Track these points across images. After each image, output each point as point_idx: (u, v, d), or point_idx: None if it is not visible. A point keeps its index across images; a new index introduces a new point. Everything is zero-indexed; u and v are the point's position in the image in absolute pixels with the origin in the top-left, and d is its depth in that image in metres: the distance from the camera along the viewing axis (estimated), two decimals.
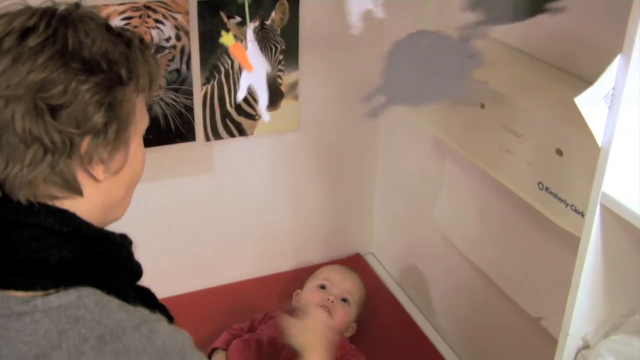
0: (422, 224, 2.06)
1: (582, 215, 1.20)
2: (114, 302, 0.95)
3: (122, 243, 1.07)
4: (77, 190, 0.98)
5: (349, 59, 2.03)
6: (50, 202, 0.98)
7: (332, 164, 2.19)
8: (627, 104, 0.89)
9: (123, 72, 0.99)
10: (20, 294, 0.93)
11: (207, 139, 1.97)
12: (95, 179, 0.99)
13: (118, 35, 1.03)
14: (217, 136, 1.98)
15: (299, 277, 2.10)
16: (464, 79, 1.24)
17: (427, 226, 2.02)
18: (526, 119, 1.30)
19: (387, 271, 2.30)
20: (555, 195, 1.26)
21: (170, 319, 1.08)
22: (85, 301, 0.92)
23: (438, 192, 1.92)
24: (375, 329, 1.99)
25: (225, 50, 1.88)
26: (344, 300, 1.88)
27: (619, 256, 1.00)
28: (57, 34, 0.95)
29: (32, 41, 0.93)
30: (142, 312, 0.96)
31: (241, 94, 1.24)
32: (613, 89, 0.89)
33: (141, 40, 1.08)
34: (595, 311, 1.03)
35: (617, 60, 0.87)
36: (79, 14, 0.99)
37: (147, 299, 1.10)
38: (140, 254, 1.98)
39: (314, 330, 1.50)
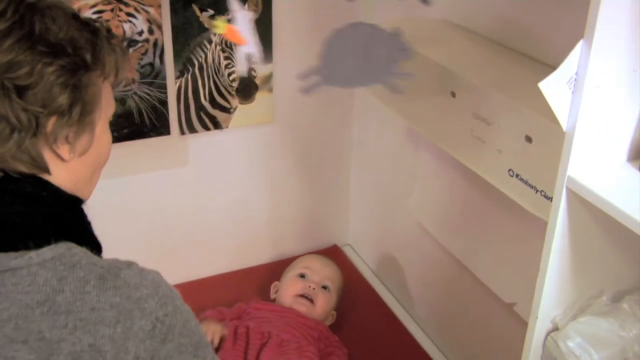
0: (398, 214, 2.07)
1: (552, 200, 1.21)
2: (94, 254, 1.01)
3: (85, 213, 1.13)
4: (44, 168, 1.03)
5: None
6: None
7: (308, 155, 2.19)
8: (590, 88, 0.90)
9: (88, 57, 1.03)
10: (11, 253, 0.97)
11: (182, 132, 1.97)
12: (61, 158, 1.04)
13: (85, 24, 1.07)
14: (192, 130, 1.97)
15: (277, 269, 2.10)
16: (392, 68, 1.38)
17: (403, 216, 2.03)
18: (496, 106, 1.32)
19: (364, 262, 2.31)
20: (526, 182, 1.28)
21: None
22: (75, 251, 0.98)
23: (413, 182, 1.93)
24: (353, 320, 2.01)
25: (198, 44, 1.88)
26: (324, 287, 1.90)
27: (586, 239, 1.01)
28: (25, 19, 0.99)
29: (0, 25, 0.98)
30: (120, 259, 1.03)
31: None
32: (576, 73, 0.90)
33: (108, 30, 1.13)
34: (563, 294, 1.05)
35: (580, 45, 0.88)
36: (46, 3, 1.03)
37: None
38: (115, 248, 1.98)
39: None
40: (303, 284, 1.90)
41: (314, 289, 1.88)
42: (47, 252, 0.96)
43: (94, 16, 1.73)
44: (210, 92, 1.96)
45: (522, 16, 1.45)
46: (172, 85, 1.90)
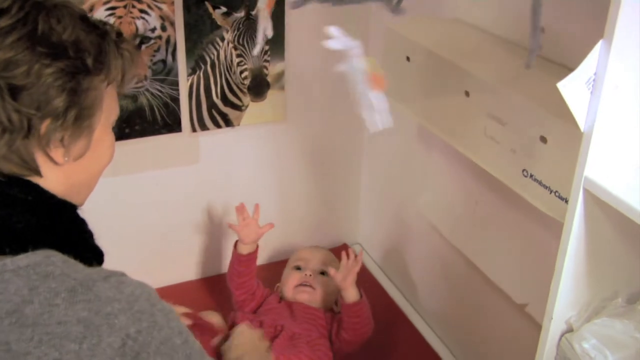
0: (408, 214, 2.07)
1: (566, 201, 1.21)
2: (79, 263, 0.97)
3: (84, 221, 1.10)
4: (35, 171, 1.02)
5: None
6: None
7: (319, 154, 2.19)
8: (609, 88, 0.89)
9: (90, 61, 1.02)
10: None
11: (194, 129, 1.97)
12: (54, 161, 1.02)
13: (93, 26, 1.06)
14: (204, 127, 1.98)
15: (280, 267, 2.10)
16: None
17: (413, 215, 2.03)
18: (511, 106, 1.31)
19: (374, 261, 2.31)
20: (540, 182, 1.27)
21: None
22: (53, 259, 0.94)
23: (424, 181, 1.93)
24: None
25: (211, 41, 1.88)
26: (322, 273, 1.92)
27: (601, 240, 1.01)
28: (29, 17, 0.98)
29: (3, 22, 0.97)
30: (107, 269, 0.99)
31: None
32: (595, 74, 0.90)
33: (119, 34, 1.11)
34: (578, 295, 1.04)
35: (599, 46, 0.88)
36: (54, 2, 1.02)
37: None
38: (127, 246, 2.00)
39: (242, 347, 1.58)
40: (300, 274, 1.92)
41: (310, 275, 1.90)
42: (23, 259, 0.93)
43: (107, 12, 1.73)
44: (222, 90, 1.96)
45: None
46: (184, 82, 1.90)
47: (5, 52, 0.96)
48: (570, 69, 1.36)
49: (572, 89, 0.90)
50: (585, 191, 0.95)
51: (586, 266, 1.02)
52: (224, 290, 2.05)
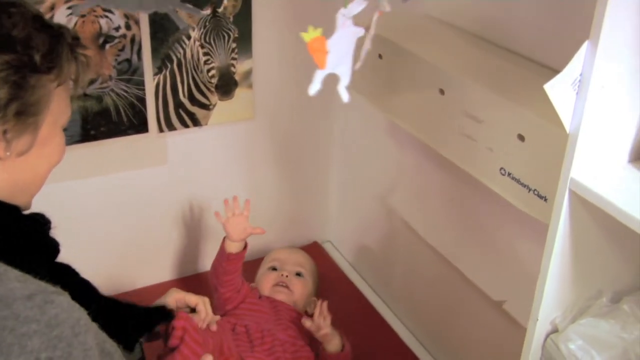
0: (380, 211, 2.06)
1: (545, 199, 1.21)
2: (11, 272, 0.94)
3: (30, 217, 1.09)
4: None
5: (302, 45, 2.00)
6: None
7: (288, 152, 2.17)
8: (595, 89, 0.89)
9: (37, 58, 1.01)
10: None
11: (161, 130, 1.93)
12: None
13: (48, 26, 1.05)
14: (171, 127, 1.94)
15: (258, 266, 2.08)
16: None
17: (385, 213, 2.02)
18: (488, 104, 1.31)
19: (345, 258, 2.30)
20: (518, 181, 1.27)
21: (94, 295, 1.14)
22: None
23: (395, 178, 1.92)
24: (335, 316, 1.98)
25: (177, 39, 1.84)
26: (298, 274, 1.90)
27: (586, 240, 1.01)
28: None
29: None
30: (40, 283, 0.94)
31: (314, 88, 1.12)
32: (581, 75, 0.89)
33: (75, 38, 1.11)
34: (563, 295, 1.04)
35: (585, 47, 0.87)
36: (8, 0, 1.02)
37: (65, 274, 1.09)
38: (96, 250, 1.95)
39: None
40: (276, 274, 1.90)
41: (287, 276, 1.88)
42: None
43: (69, 11, 1.68)
44: (189, 89, 1.92)
45: (508, 13, 1.44)
46: (150, 82, 1.86)
47: None
48: (544, 66, 1.37)
49: (558, 90, 0.89)
50: (571, 192, 0.95)
51: (571, 266, 1.02)
52: (198, 291, 2.01)
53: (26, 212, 1.10)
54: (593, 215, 0.98)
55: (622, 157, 0.97)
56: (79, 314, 0.94)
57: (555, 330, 1.06)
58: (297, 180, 2.23)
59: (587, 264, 1.03)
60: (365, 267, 2.22)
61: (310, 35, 0.95)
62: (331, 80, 2.13)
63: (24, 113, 1.01)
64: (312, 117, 2.15)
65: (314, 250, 2.23)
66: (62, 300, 0.93)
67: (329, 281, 2.06)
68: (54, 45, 1.04)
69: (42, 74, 1.02)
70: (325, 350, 1.71)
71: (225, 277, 1.79)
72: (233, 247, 1.79)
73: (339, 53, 0.99)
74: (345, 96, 1.05)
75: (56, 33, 1.05)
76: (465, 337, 1.80)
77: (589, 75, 0.88)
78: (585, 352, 0.99)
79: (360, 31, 1.02)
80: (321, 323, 1.67)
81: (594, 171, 0.94)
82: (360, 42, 1.05)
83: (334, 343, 1.71)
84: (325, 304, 1.72)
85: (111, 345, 1.02)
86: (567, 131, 0.93)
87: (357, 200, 2.20)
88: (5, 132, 1.00)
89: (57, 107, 1.07)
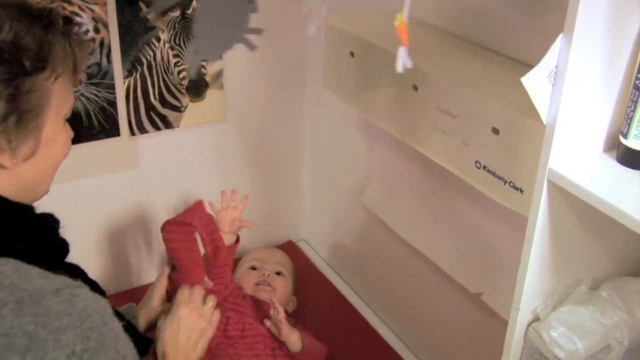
0: (354, 208, 2.07)
1: (521, 191, 1.23)
2: (34, 270, 0.95)
3: (42, 217, 1.09)
4: None
5: (272, 46, 2.01)
6: None
7: (261, 152, 2.17)
8: (570, 81, 0.91)
9: (28, 63, 0.97)
10: None
11: (132, 133, 1.91)
12: (1, 165, 1.00)
13: (36, 17, 1.00)
14: (143, 130, 1.93)
15: (233, 266, 2.07)
16: (244, 25, 1.37)
17: (359, 210, 2.03)
18: (462, 99, 1.32)
19: (320, 256, 2.31)
20: (493, 173, 1.28)
21: (102, 294, 1.12)
22: (2, 269, 0.92)
23: (368, 175, 1.93)
24: (312, 315, 1.99)
25: (146, 42, 1.83)
26: (278, 273, 1.90)
27: (564, 229, 1.03)
28: None
29: None
30: (63, 278, 0.96)
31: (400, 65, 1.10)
32: (556, 67, 0.91)
33: (66, 19, 1.05)
34: (543, 284, 1.06)
35: (560, 40, 0.89)
36: None
37: (76, 274, 1.09)
38: (69, 256, 1.92)
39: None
40: (257, 274, 1.90)
41: (268, 275, 1.88)
42: None
43: None
44: (160, 91, 1.91)
45: (478, 9, 1.46)
46: (120, 85, 1.85)
47: None
48: (514, 60, 1.39)
49: (534, 82, 0.90)
50: (549, 182, 0.97)
51: (550, 255, 1.03)
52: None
53: (30, 205, 1.09)
54: (570, 205, 1.00)
55: (597, 147, 1.00)
56: (103, 303, 0.96)
57: (536, 319, 1.08)
58: (270, 180, 2.23)
59: (565, 253, 1.05)
60: (340, 265, 2.22)
61: (398, 20, 0.99)
62: (302, 78, 2.14)
63: (24, 120, 0.98)
64: (284, 116, 2.15)
65: (289, 249, 2.23)
66: (86, 292, 0.95)
67: (305, 279, 2.07)
68: (45, 39, 0.99)
69: (36, 75, 0.98)
70: (290, 350, 1.72)
71: (216, 270, 1.78)
72: (226, 240, 1.78)
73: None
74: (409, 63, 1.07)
75: (46, 22, 1.00)
76: (444, 331, 1.82)
77: (564, 68, 0.90)
78: (567, 339, 1.01)
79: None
80: (278, 318, 1.66)
81: (570, 161, 0.96)
82: None
83: (292, 342, 1.70)
84: (276, 301, 1.70)
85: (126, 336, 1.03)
86: (544, 123, 0.94)
87: (331, 199, 2.21)
88: (9, 141, 0.98)
89: (58, 101, 1.04)
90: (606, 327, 1.01)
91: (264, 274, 1.88)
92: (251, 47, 1.37)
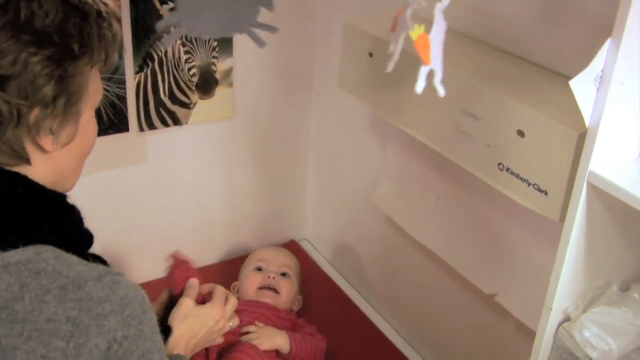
0: (359, 208, 2.08)
1: (546, 193, 1.24)
2: (73, 258, 0.96)
3: (74, 207, 1.10)
4: (25, 159, 1.00)
5: (282, 45, 2.01)
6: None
7: (266, 151, 2.17)
8: (616, 85, 0.92)
9: (75, 46, 1.00)
10: None
11: (141, 129, 1.91)
12: (43, 149, 1.01)
13: (74, 7, 1.03)
14: (151, 126, 1.92)
15: (236, 265, 2.07)
16: (255, 18, 1.36)
17: (364, 209, 2.04)
18: (486, 101, 1.33)
19: (322, 256, 2.31)
20: (517, 175, 1.30)
21: None
22: (45, 256, 0.93)
23: (377, 175, 1.94)
24: (316, 314, 2.00)
25: (158, 37, 1.82)
26: (284, 274, 1.91)
27: (598, 231, 1.04)
28: (9, 3, 0.96)
29: None
30: (102, 266, 0.98)
31: (420, 85, 1.10)
32: (602, 71, 0.92)
33: (99, 13, 1.07)
34: (575, 285, 1.07)
35: (607, 44, 0.91)
36: None
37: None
38: None
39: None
40: (262, 276, 1.90)
41: (274, 278, 1.89)
42: (14, 255, 0.92)
43: None
44: (170, 88, 1.91)
45: (500, 14, 1.48)
46: (131, 81, 1.84)
47: None
48: (535, 65, 1.41)
49: (581, 86, 0.92)
50: (589, 185, 0.98)
51: (584, 257, 1.05)
52: None
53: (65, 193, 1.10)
54: (605, 207, 1.01)
55: (635, 149, 1.01)
56: (143, 292, 0.98)
57: (567, 319, 1.09)
58: (274, 179, 2.24)
59: (597, 254, 1.07)
60: (343, 265, 2.23)
61: (417, 33, 0.97)
62: (309, 78, 2.15)
63: (69, 104, 1.00)
64: (290, 115, 2.16)
65: (291, 249, 2.23)
66: (127, 280, 0.97)
67: (308, 279, 2.07)
68: (84, 28, 1.01)
69: (79, 60, 1.00)
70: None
71: None
72: None
73: (436, 48, 1.02)
74: (441, 91, 1.07)
75: (83, 13, 1.02)
76: (449, 331, 1.83)
77: (610, 72, 0.91)
78: (600, 339, 1.03)
79: (446, 24, 1.05)
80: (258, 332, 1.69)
81: (610, 164, 0.98)
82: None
83: (281, 347, 1.71)
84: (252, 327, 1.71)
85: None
86: (587, 125, 0.96)
87: (335, 198, 2.21)
88: (53, 125, 1.00)
89: (93, 89, 1.06)
90: (639, 328, 1.03)
91: (268, 277, 1.88)
92: (259, 42, 1.37)
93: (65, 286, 0.91)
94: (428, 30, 1.03)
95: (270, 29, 1.38)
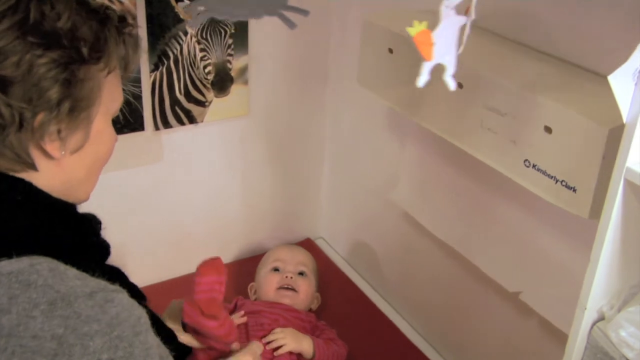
0: (375, 206, 2.06)
1: (574, 190, 1.22)
2: (70, 271, 0.92)
3: (84, 216, 1.07)
4: (30, 165, 0.97)
5: (297, 42, 2.00)
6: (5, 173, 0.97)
7: (282, 149, 2.16)
8: None
9: (85, 50, 0.96)
10: None
11: (157, 128, 1.89)
12: (50, 155, 0.98)
13: (93, 11, 1.00)
14: (167, 124, 1.90)
15: (252, 264, 2.06)
16: (286, 1, 1.34)
17: (381, 207, 2.02)
18: (511, 97, 1.31)
19: (338, 254, 2.30)
20: (544, 172, 1.28)
21: (142, 299, 1.09)
22: (38, 268, 0.89)
23: (396, 173, 1.92)
24: (333, 312, 1.99)
25: (173, 35, 1.81)
26: (301, 273, 1.89)
27: (634, 229, 1.02)
28: (20, 4, 0.93)
29: None
30: (99, 281, 0.93)
31: (422, 80, 1.07)
32: None
33: (122, 19, 1.05)
34: (609, 284, 1.05)
35: None
36: None
37: (116, 277, 1.07)
38: None
39: None
40: (280, 276, 1.88)
41: (291, 277, 1.87)
42: (6, 265, 0.88)
43: None
44: (186, 86, 1.89)
45: (524, 10, 1.46)
46: (146, 79, 1.83)
47: None
48: (558, 59, 1.39)
49: (620, 80, 0.90)
50: (626, 181, 0.96)
51: (620, 255, 1.03)
52: (186, 293, 1.99)
53: (73, 203, 1.07)
54: None
55: None
56: (139, 312, 0.92)
57: (601, 319, 1.07)
58: (289, 177, 2.22)
59: (632, 253, 1.05)
60: (360, 263, 2.22)
61: (416, 29, 0.95)
62: (324, 76, 2.13)
63: (76, 109, 0.97)
64: (306, 112, 2.14)
65: (307, 247, 2.21)
66: (122, 298, 0.91)
67: (324, 278, 2.05)
68: (101, 33, 0.98)
69: (91, 65, 0.97)
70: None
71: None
72: None
73: (445, 43, 1.00)
74: (452, 84, 1.05)
75: (102, 17, 1.00)
76: (472, 331, 1.82)
77: None
78: (636, 339, 1.01)
79: (462, 19, 1.03)
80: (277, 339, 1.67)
81: None
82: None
83: (305, 351, 1.70)
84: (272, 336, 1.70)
85: (164, 350, 1.00)
86: (624, 121, 0.94)
87: (350, 196, 2.20)
88: (59, 131, 0.96)
89: (108, 96, 1.03)
90: None
91: (286, 277, 1.87)
92: (290, 24, 1.34)
93: (54, 301, 0.86)
94: (432, 27, 1.01)
95: (301, 11, 1.35)
